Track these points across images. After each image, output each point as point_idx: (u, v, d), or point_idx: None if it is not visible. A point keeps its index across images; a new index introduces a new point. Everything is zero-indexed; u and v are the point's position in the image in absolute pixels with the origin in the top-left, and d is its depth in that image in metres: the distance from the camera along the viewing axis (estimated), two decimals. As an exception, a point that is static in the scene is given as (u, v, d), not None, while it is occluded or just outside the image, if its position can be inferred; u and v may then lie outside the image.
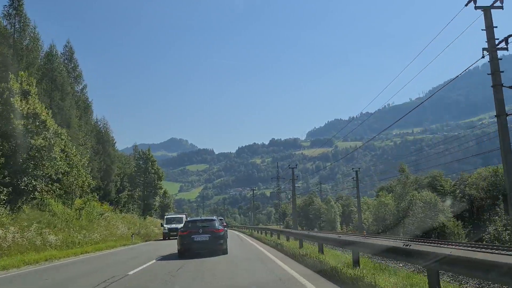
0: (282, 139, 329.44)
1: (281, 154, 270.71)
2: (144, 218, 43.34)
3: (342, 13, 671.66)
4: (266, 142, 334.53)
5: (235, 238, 25.59)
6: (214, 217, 15.44)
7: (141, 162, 49.17)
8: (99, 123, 40.84)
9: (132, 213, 41.93)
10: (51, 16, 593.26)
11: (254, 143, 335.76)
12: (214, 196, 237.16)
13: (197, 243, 12.71)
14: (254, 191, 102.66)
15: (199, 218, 16.58)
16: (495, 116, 13.33)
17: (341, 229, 57.33)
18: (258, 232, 31.99)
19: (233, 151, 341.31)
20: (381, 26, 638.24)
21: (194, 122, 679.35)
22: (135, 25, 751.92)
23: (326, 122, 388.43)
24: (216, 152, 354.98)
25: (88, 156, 28.79)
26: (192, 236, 12.78)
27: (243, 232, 40.24)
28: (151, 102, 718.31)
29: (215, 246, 12.90)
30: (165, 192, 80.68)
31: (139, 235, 29.26)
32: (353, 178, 44.84)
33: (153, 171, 48.57)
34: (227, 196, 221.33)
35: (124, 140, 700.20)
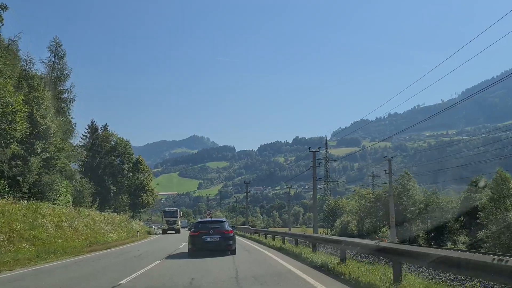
0: (307, 138, 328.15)
1: (305, 153, 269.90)
2: None
3: (370, 13, 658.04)
4: (290, 141, 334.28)
5: None
6: (224, 219, 17.03)
7: None
8: None
9: None
10: (54, 17, 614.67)
11: (277, 141, 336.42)
12: (233, 194, 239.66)
13: (208, 243, 13.87)
14: (277, 191, 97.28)
15: (209, 219, 18.09)
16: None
17: None
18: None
19: (255, 148, 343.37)
20: (412, 26, 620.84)
21: (216, 119, 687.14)
22: (156, 21, 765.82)
23: (352, 122, 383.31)
24: (237, 150, 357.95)
25: None
26: (203, 237, 13.97)
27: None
28: (173, 99, 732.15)
29: (225, 247, 14.10)
30: (138, 162, 50.94)
31: None
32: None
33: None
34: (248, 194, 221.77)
35: (145, 136, 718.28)
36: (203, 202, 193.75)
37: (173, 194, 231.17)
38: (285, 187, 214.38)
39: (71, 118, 34.17)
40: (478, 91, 14.72)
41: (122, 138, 49.29)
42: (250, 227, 38.28)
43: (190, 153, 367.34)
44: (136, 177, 50.18)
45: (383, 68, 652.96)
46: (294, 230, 61.89)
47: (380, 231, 37.93)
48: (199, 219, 15.62)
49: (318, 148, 34.58)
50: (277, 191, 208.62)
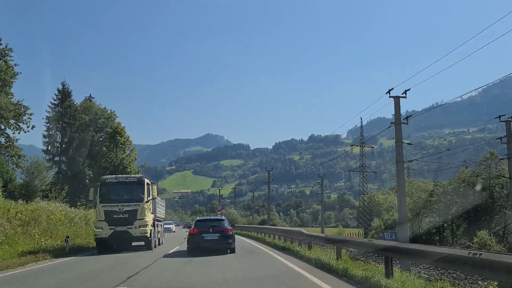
0: (322, 135, 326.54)
1: (321, 151, 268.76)
2: None
3: (388, 12, 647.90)
4: (305, 138, 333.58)
5: None
6: (223, 217, 17.58)
7: None
8: None
9: None
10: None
11: (292, 139, 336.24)
12: (248, 192, 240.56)
13: (207, 241, 14.25)
14: (292, 189, 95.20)
15: (209, 217, 18.81)
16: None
17: None
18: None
19: (270, 146, 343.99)
20: (431, 22, 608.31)
21: (230, 118, 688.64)
22: (164, 19, 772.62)
23: (368, 120, 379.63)
24: (252, 148, 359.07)
25: None
26: (203, 235, 14.34)
27: None
28: (187, 97, 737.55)
29: (224, 245, 14.48)
30: (116, 132, 36.06)
31: None
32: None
33: None
34: (262, 193, 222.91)
35: (160, 135, 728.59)
36: (217, 200, 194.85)
37: (187, 192, 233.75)
38: (300, 186, 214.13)
39: (15, 64, 25.73)
40: (489, 83, 14.92)
41: (106, 108, 37.83)
42: (303, 230, 18.74)
43: (205, 151, 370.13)
44: (114, 154, 34.83)
45: (390, 67, 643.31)
46: (314, 231, 58.63)
47: (475, 236, 26.79)
48: (198, 217, 15.86)
49: (402, 95, 23.00)
50: (292, 189, 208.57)
